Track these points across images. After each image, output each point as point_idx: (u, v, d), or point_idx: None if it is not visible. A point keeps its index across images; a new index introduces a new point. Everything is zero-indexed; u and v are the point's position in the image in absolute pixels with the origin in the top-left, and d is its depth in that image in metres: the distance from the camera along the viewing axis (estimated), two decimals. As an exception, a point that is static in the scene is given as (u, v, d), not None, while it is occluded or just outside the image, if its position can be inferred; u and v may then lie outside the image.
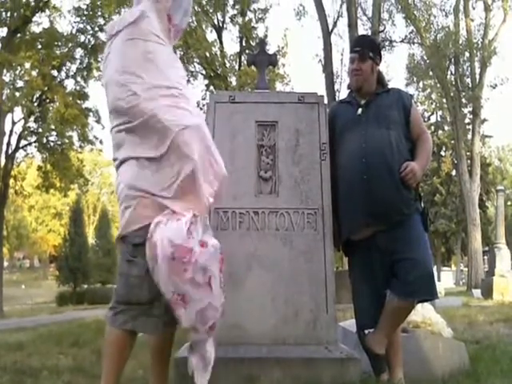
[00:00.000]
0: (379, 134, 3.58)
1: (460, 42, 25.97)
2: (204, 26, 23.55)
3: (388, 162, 3.52)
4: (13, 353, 5.88)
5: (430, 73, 28.06)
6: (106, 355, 2.65)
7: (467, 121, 31.19)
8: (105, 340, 2.66)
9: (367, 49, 3.84)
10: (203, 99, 23.00)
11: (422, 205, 3.72)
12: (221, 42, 24.43)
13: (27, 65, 22.65)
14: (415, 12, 25.11)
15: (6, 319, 14.80)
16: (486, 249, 27.44)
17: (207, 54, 22.83)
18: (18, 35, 22.62)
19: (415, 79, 31.90)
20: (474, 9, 27.56)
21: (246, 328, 3.52)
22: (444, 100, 29.89)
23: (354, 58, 3.84)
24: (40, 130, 24.41)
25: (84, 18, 23.34)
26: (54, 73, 24.25)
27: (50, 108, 24.62)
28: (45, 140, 24.54)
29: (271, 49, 22.42)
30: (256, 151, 3.83)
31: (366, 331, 3.57)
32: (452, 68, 27.10)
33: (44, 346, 6.46)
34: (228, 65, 23.82)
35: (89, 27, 23.42)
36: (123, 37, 2.76)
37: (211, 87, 23.59)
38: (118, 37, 2.78)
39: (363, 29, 23.62)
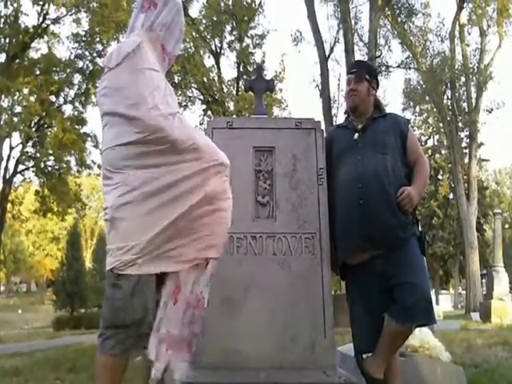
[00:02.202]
0: (375, 159, 3.61)
1: (456, 66, 26.18)
2: (202, 52, 23.72)
3: (384, 186, 3.54)
4: (9, 379, 5.84)
5: (427, 97, 28.27)
6: (98, 382, 2.64)
7: (464, 145, 31.40)
8: (96, 367, 2.66)
9: (363, 71, 3.89)
10: (201, 124, 23.12)
11: (420, 229, 3.74)
12: (218, 68, 24.62)
13: (25, 90, 22.81)
14: (411, 38, 25.38)
15: (2, 344, 14.69)
16: (484, 272, 27.40)
17: (205, 80, 22.96)
18: (17, 61, 22.81)
19: (412, 104, 32.12)
20: (469, 34, 27.98)
21: (243, 352, 3.51)
22: (441, 124, 30.07)
23: (350, 79, 3.88)
24: (38, 154, 24.48)
25: (82, 44, 23.56)
26: (52, 98, 24.42)
27: (48, 133, 24.75)
28: (42, 165, 24.60)
29: (268, 74, 22.59)
30: (253, 176, 3.85)
31: (364, 356, 3.56)
32: (448, 93, 27.31)
33: (41, 371, 6.42)
34: (226, 90, 23.94)
35: (87, 53, 23.64)
36: (129, 70, 2.74)
37: (209, 112, 23.71)
38: (120, 69, 2.75)
39: (360, 54, 23.83)
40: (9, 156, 24.65)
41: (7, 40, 22.52)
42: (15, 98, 22.72)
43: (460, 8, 26.54)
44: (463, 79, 27.07)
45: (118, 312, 2.57)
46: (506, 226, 52.17)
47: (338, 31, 23.24)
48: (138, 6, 3.01)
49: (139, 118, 2.62)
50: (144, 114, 2.62)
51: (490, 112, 26.53)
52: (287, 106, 24.80)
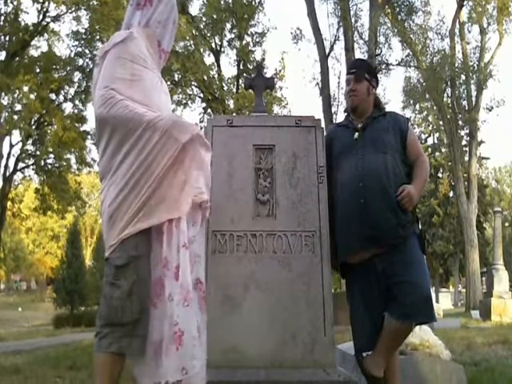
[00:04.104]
0: (375, 158, 3.61)
1: (456, 64, 26.16)
2: (202, 50, 23.70)
3: (384, 185, 3.54)
4: (9, 376, 5.84)
5: (427, 95, 28.23)
6: (96, 380, 2.65)
7: (464, 143, 31.43)
8: (93, 366, 2.67)
9: (363, 70, 3.89)
10: (201, 122, 23.11)
11: (420, 227, 3.74)
12: (218, 66, 24.60)
13: (25, 88, 22.82)
14: (411, 35, 25.33)
15: (2, 342, 14.67)
16: (484, 270, 27.42)
17: (205, 78, 22.94)
18: (17, 59, 22.80)
19: (412, 102, 32.09)
20: (469, 32, 27.98)
21: (243, 351, 3.50)
22: (441, 122, 30.06)
23: (349, 80, 3.89)
24: (38, 152, 24.55)
25: (82, 42, 23.53)
26: (52, 96, 24.43)
27: (48, 131, 24.77)
28: (42, 162, 24.64)
29: (268, 72, 22.58)
30: (253, 174, 3.85)
31: (364, 354, 3.56)
32: (448, 91, 27.29)
33: (41, 369, 6.43)
34: (226, 88, 23.92)
35: (87, 51, 23.62)
36: (112, 55, 2.80)
37: (209, 110, 23.71)
38: (107, 57, 2.81)
39: (360, 52, 23.83)
40: (9, 154, 24.75)
41: (7, 38, 22.53)
42: (15, 95, 22.75)
43: (460, 6, 26.54)
44: (463, 77, 27.04)
45: (116, 311, 2.59)
46: (506, 224, 52.20)
47: (337, 29, 23.29)
48: (134, 4, 3.04)
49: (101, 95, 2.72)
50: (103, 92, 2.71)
51: (490, 110, 26.53)
52: (287, 103, 24.82)
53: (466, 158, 28.05)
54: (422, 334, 4.66)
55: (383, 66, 24.44)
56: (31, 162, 25.02)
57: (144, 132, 2.66)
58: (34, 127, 24.12)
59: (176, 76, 23.06)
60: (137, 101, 2.73)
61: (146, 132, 2.66)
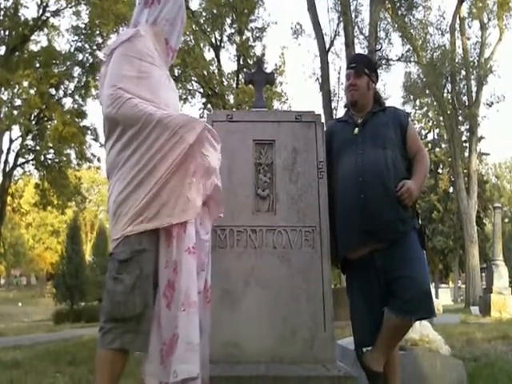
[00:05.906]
0: (375, 153, 3.60)
1: (456, 60, 26.17)
2: (202, 45, 23.67)
3: (384, 180, 3.54)
4: (9, 371, 5.85)
5: (427, 91, 28.26)
6: (97, 376, 2.64)
7: (464, 138, 31.42)
8: (95, 361, 2.66)
9: (362, 65, 3.88)
10: (201, 117, 23.08)
11: (420, 222, 3.74)
12: (218, 61, 24.58)
13: (25, 83, 22.83)
14: (411, 31, 25.31)
15: (2, 337, 14.70)
16: (484, 266, 27.44)
17: (205, 73, 22.92)
18: (17, 54, 22.79)
19: (412, 97, 32.11)
20: (470, 27, 27.97)
21: (243, 346, 3.50)
22: (441, 118, 30.07)
23: (349, 74, 3.88)
24: (38, 147, 24.55)
25: (82, 37, 23.52)
26: (52, 91, 24.42)
27: (48, 126, 24.76)
28: (42, 158, 24.65)
29: (268, 67, 22.54)
30: (253, 169, 3.84)
31: (364, 349, 3.56)
32: (448, 86, 27.29)
33: (41, 364, 6.43)
34: (226, 83, 23.91)
35: (87, 46, 23.62)
36: (118, 53, 2.80)
37: (209, 105, 23.69)
38: (114, 55, 2.82)
39: (360, 47, 23.82)
40: (9, 149, 24.77)
41: (7, 32, 22.51)
42: (15, 90, 22.75)
43: (460, 1, 26.54)
44: (463, 73, 27.07)
45: (118, 306, 2.58)
46: (506, 220, 52.26)
47: (338, 24, 23.25)
48: (142, 2, 3.04)
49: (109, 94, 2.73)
50: (111, 91, 2.72)
51: (490, 106, 26.57)
52: (287, 99, 24.80)
53: (466, 154, 28.07)
54: (421, 330, 4.66)
55: (383, 62, 24.42)
56: (31, 157, 25.03)
57: (153, 130, 2.66)
58: (33, 122, 24.14)
59: (176, 71, 23.01)
60: (144, 98, 2.73)
61: (155, 130, 2.66)
